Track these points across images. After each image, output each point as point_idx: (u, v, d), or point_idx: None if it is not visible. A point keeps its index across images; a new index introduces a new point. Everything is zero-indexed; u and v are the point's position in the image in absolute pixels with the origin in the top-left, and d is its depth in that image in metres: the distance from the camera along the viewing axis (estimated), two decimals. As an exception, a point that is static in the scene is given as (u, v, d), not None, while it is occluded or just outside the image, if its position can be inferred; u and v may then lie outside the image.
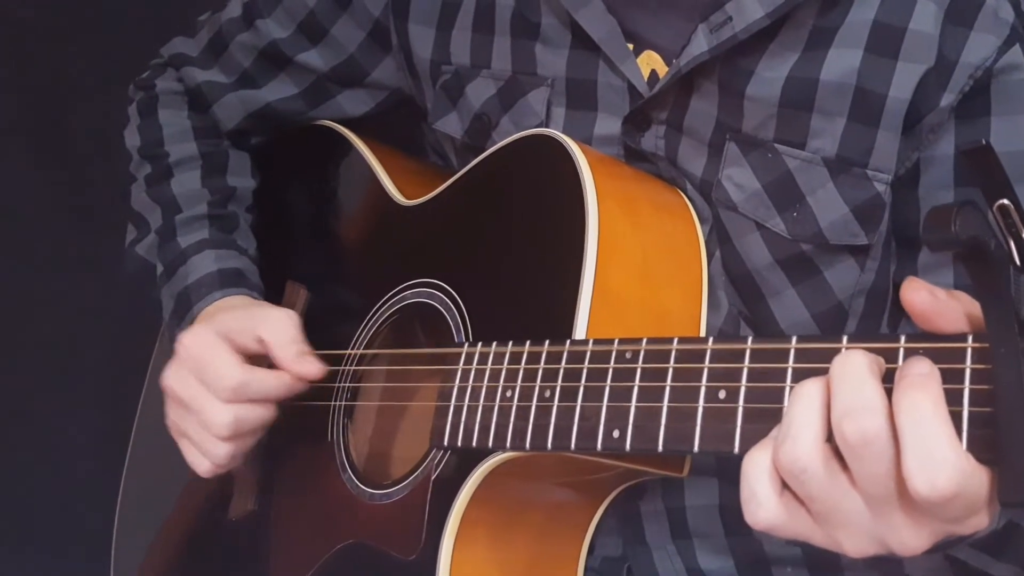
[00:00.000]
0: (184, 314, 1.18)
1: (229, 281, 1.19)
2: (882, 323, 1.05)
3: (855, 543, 0.72)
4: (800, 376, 0.74)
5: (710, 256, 1.05)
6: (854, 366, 0.70)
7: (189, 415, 1.09)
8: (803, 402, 0.71)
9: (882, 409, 0.68)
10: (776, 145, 1.01)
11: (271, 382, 1.09)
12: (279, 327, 1.10)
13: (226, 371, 1.07)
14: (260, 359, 1.11)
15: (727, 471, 1.08)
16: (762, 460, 0.72)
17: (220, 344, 1.08)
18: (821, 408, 0.70)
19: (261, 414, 1.09)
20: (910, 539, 0.70)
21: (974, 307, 0.71)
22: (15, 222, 1.95)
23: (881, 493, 0.69)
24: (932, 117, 0.98)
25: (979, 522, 0.69)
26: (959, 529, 0.70)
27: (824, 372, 0.71)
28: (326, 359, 1.12)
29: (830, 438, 0.70)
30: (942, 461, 0.66)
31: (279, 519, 1.17)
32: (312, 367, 1.10)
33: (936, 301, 0.71)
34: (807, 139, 1.00)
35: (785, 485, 0.72)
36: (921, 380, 0.68)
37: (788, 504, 0.72)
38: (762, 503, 0.72)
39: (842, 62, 0.99)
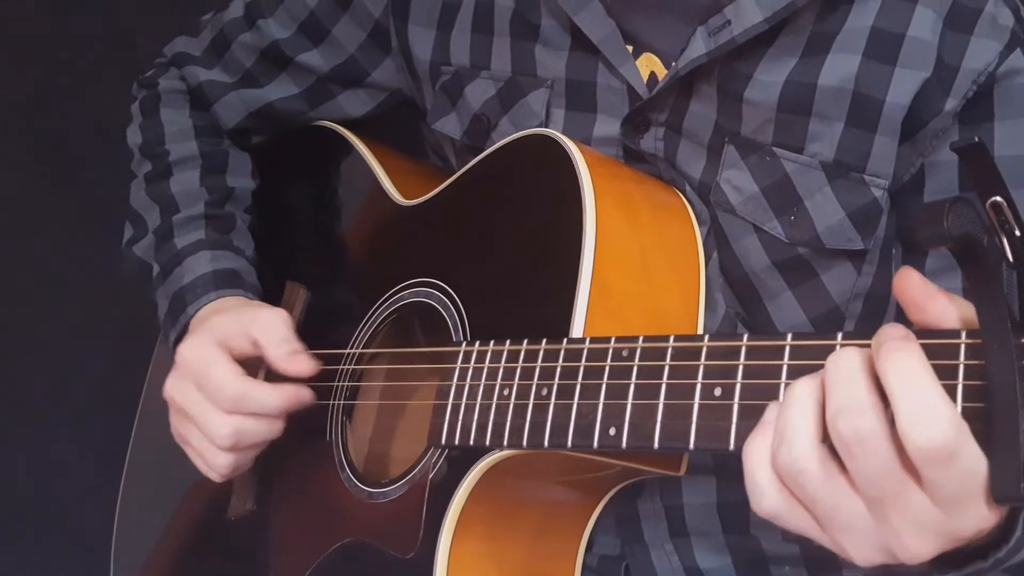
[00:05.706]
0: (178, 315, 1.18)
1: (224, 282, 1.19)
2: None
3: (860, 550, 0.70)
4: (795, 373, 0.74)
5: (707, 258, 1.05)
6: (848, 363, 0.69)
7: (191, 424, 1.09)
8: (797, 403, 0.70)
9: (876, 407, 0.67)
10: (774, 148, 1.02)
11: (269, 397, 1.08)
12: (270, 327, 1.10)
13: (225, 382, 1.07)
14: (258, 361, 1.11)
15: (725, 469, 1.08)
16: (761, 450, 0.71)
17: (218, 354, 1.08)
18: (816, 408, 0.70)
19: (263, 428, 1.08)
20: (914, 544, 0.69)
21: (971, 312, 0.70)
22: (15, 222, 1.95)
23: (879, 495, 0.68)
24: (936, 122, 0.98)
25: (980, 513, 0.67)
26: (961, 523, 0.68)
27: (820, 369, 0.71)
28: (324, 358, 1.12)
29: (827, 438, 0.69)
30: (936, 411, 0.65)
31: (277, 518, 1.17)
32: (303, 364, 1.10)
33: (927, 286, 0.71)
34: (805, 143, 1.01)
35: (785, 486, 0.71)
36: (900, 343, 0.67)
37: (791, 496, 0.71)
38: (765, 492, 0.71)
39: (840, 67, 0.99)
